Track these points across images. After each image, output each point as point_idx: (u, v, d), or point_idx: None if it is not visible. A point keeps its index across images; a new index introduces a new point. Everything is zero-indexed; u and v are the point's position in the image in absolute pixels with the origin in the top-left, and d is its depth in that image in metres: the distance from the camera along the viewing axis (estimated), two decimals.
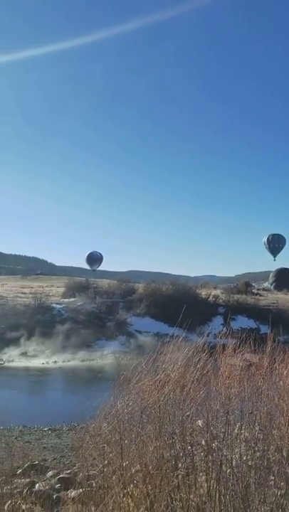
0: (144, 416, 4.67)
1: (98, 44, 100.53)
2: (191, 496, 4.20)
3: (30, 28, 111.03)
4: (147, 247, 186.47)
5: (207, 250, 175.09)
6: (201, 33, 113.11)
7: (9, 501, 5.30)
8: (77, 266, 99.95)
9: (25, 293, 41.16)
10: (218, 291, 45.20)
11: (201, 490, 4.28)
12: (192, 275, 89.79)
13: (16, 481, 6.49)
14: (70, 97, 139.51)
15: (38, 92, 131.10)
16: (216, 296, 42.20)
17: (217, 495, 4.09)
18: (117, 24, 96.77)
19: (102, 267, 67.49)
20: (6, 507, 5.15)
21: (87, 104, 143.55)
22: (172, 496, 4.21)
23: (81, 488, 5.97)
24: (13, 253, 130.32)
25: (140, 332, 35.22)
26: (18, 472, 7.62)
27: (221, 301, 41.48)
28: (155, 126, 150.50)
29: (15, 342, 30.30)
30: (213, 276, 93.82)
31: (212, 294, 42.86)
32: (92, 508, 4.80)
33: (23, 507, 5.59)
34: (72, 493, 6.35)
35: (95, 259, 63.27)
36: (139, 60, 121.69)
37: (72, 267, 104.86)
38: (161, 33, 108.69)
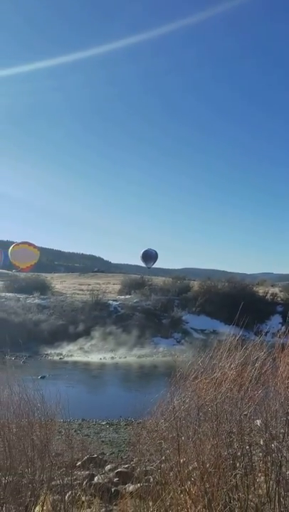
0: (200, 414, 4.65)
1: (138, 46, 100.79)
2: (250, 497, 4.14)
3: (73, 32, 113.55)
4: (202, 245, 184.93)
5: (264, 247, 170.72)
6: (234, 34, 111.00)
7: (70, 492, 5.46)
8: (132, 263, 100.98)
9: (82, 290, 42.19)
10: (276, 289, 44.01)
11: (260, 491, 4.20)
12: (248, 272, 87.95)
13: (75, 472, 6.68)
14: (112, 98, 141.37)
15: (83, 93, 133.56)
16: (274, 294, 41.14)
17: (277, 497, 4.00)
18: (156, 26, 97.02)
19: (157, 264, 67.62)
20: (66, 497, 5.31)
21: (128, 105, 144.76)
22: (230, 495, 4.16)
23: (139, 482, 6.04)
24: (71, 251, 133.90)
25: (195, 330, 35.05)
26: (77, 464, 7.84)
27: (279, 299, 40.38)
28: (198, 130, 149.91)
29: (73, 337, 31.13)
30: (271, 273, 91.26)
31: (270, 291, 41.82)
32: (150, 503, 4.85)
33: (83, 498, 5.74)
34: (130, 488, 6.45)
35: (150, 256, 63.52)
36: (174, 61, 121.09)
37: (127, 265, 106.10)
38: (197, 34, 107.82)
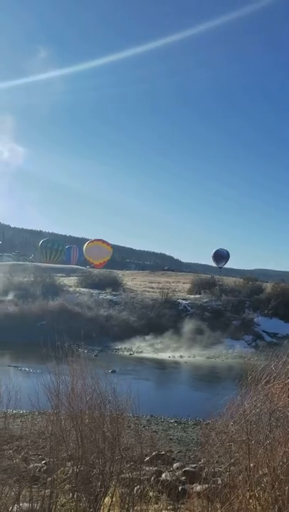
0: (272, 419, 4.53)
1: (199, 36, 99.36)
2: None
3: (138, 27, 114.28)
4: (275, 245, 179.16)
5: None
6: None
7: (137, 486, 5.55)
8: (203, 263, 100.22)
9: (153, 287, 42.55)
10: None
11: None
12: None
13: (144, 468, 6.77)
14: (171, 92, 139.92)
15: (140, 87, 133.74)
16: None
17: None
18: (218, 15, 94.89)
19: (228, 264, 66.67)
20: (134, 491, 5.40)
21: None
22: None
23: (206, 483, 5.99)
24: (142, 249, 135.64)
25: (267, 333, 34.05)
26: (145, 460, 7.94)
27: None
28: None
29: (143, 334, 31.52)
30: None
31: None
32: (218, 506, 4.81)
33: (150, 494, 5.80)
34: (198, 488, 6.41)
35: (221, 256, 62.72)
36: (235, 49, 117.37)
37: (198, 264, 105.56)
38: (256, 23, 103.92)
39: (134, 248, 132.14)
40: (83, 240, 79.02)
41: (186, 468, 8.15)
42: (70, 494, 4.99)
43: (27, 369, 20.39)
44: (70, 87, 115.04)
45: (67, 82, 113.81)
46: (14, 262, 56.85)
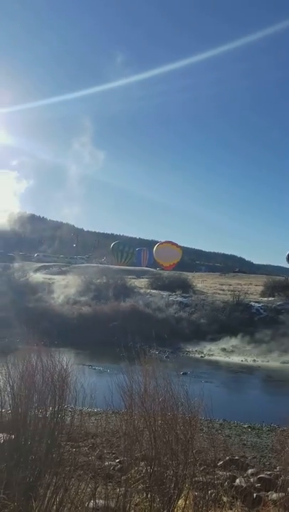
0: None
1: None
2: None
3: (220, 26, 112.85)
4: None
5: None
6: None
7: (211, 490, 5.48)
8: (275, 264, 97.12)
9: (223, 290, 41.92)
10: None
11: None
12: None
13: (217, 472, 6.68)
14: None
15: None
16: None
17: None
18: None
19: None
20: (208, 495, 5.34)
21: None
22: None
23: (283, 492, 5.79)
24: (212, 251, 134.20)
25: None
26: (218, 464, 7.83)
27: None
28: None
29: (214, 337, 31.12)
30: None
31: None
32: None
33: (224, 499, 5.70)
34: (273, 496, 6.21)
35: None
36: None
37: (270, 266, 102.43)
38: None
39: (203, 250, 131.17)
40: (153, 243, 79.75)
41: (261, 475, 7.93)
42: (144, 494, 5.04)
43: (100, 368, 20.92)
44: (142, 93, 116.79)
45: (138, 88, 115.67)
46: (87, 264, 58.62)
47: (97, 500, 4.75)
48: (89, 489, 4.93)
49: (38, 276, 41.76)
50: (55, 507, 4.59)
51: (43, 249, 77.15)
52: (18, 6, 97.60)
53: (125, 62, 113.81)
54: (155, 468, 5.06)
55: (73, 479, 5.05)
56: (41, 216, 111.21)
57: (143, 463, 5.45)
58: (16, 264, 43.52)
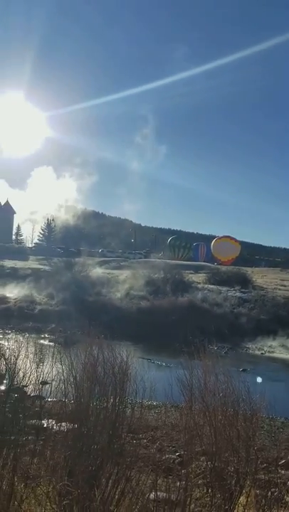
0: None
1: None
2: None
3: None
4: None
5: None
6: None
7: (273, 489, 5.36)
8: None
9: (285, 285, 40.72)
10: None
11: None
12: None
13: (280, 471, 6.52)
14: None
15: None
16: None
17: None
18: None
19: None
20: (270, 494, 5.23)
21: None
22: None
23: None
24: (272, 245, 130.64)
25: None
26: (281, 463, 7.64)
27: None
28: None
29: (275, 333, 30.30)
30: None
31: None
32: None
33: (288, 499, 5.56)
34: None
35: None
36: None
37: None
38: None
39: (263, 244, 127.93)
40: (211, 237, 78.90)
41: None
42: (205, 489, 5.02)
43: (159, 362, 21.04)
44: (204, 86, 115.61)
45: (200, 80, 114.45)
46: (145, 260, 59.10)
47: (158, 493, 4.78)
48: (150, 481, 4.98)
49: (98, 271, 42.64)
50: (116, 496, 4.68)
51: (104, 244, 78.77)
52: (81, 3, 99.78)
53: (186, 56, 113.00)
54: (216, 464, 5.03)
55: (134, 470, 5.12)
56: (100, 212, 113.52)
57: (203, 458, 5.43)
58: (78, 259, 44.70)
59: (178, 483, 5.19)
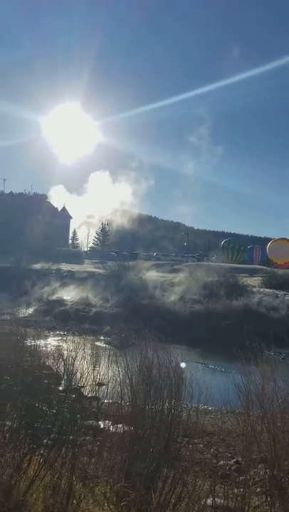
0: None
1: None
2: None
3: None
4: None
5: None
6: None
7: None
8: None
9: None
10: None
11: None
12: None
13: None
14: None
15: None
16: None
17: None
18: None
19: None
20: None
21: None
22: None
23: None
24: None
25: None
26: None
27: None
28: None
29: None
30: None
31: None
32: None
33: None
34: None
35: None
36: None
37: None
38: None
39: None
40: (266, 240, 77.00)
41: None
42: (264, 497, 4.89)
43: (213, 367, 20.78)
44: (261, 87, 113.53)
45: (257, 81, 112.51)
46: (198, 263, 58.68)
47: (215, 499, 4.71)
48: (206, 486, 4.92)
49: (152, 274, 42.84)
50: (173, 500, 4.66)
51: (158, 248, 79.09)
52: (133, 7, 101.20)
53: (243, 56, 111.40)
54: (275, 472, 4.88)
55: (190, 475, 5.08)
56: (154, 216, 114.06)
57: (261, 465, 5.30)
58: (131, 263, 45.16)
59: (235, 491, 5.09)
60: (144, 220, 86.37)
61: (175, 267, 51.60)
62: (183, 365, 6.27)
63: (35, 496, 4.87)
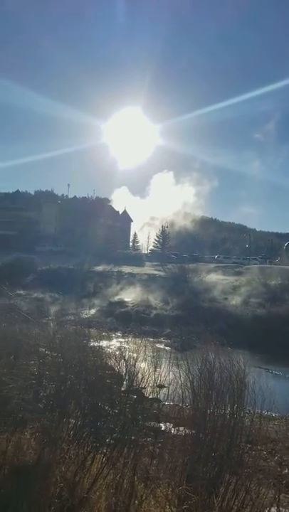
0: None
1: None
2: None
3: None
4: None
5: None
6: None
7: None
8: None
9: None
10: None
11: None
12: None
13: None
14: None
15: None
16: None
17: None
18: None
19: None
20: None
21: None
22: None
23: None
24: None
25: None
26: None
27: None
28: None
29: None
30: None
31: None
32: None
33: None
34: None
35: None
36: None
37: None
38: None
39: None
40: None
41: None
42: None
43: (277, 372, 20.18)
44: None
45: None
46: (261, 265, 57.22)
47: (280, 508, 4.57)
48: (270, 495, 4.78)
49: (213, 277, 42.38)
50: (236, 507, 4.57)
51: (219, 250, 78.12)
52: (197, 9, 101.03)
53: None
54: None
55: (253, 482, 4.96)
56: (214, 218, 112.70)
57: None
58: (192, 265, 44.90)
59: None
60: (206, 222, 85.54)
61: (237, 269, 50.65)
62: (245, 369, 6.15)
63: (98, 493, 4.97)
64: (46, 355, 7.02)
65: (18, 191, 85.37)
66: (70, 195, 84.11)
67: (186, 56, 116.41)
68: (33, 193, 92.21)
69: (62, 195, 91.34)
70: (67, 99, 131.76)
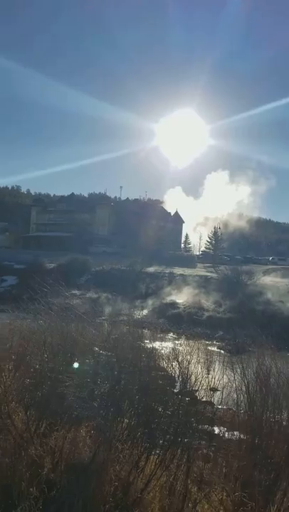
0: None
1: None
2: None
3: None
4: None
5: None
6: None
7: None
8: None
9: None
10: None
11: None
12: None
13: None
14: None
15: None
16: None
17: None
18: None
19: None
20: None
21: None
22: None
23: None
24: None
25: None
26: None
27: None
28: None
29: None
30: None
31: None
32: None
33: None
34: None
35: None
36: None
37: None
38: None
39: None
40: None
41: None
42: None
43: None
44: None
45: None
46: None
47: None
48: None
49: (267, 279, 41.31)
50: None
51: (273, 252, 76.16)
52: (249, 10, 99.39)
53: None
54: None
55: None
56: (268, 218, 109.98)
57: None
58: (245, 267, 44.00)
59: None
60: (260, 223, 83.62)
61: None
62: None
63: (151, 494, 4.98)
64: (101, 355, 7.11)
65: (73, 194, 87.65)
66: (123, 197, 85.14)
67: (240, 56, 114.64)
68: (86, 195, 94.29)
69: (115, 197, 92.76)
70: (121, 102, 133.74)
